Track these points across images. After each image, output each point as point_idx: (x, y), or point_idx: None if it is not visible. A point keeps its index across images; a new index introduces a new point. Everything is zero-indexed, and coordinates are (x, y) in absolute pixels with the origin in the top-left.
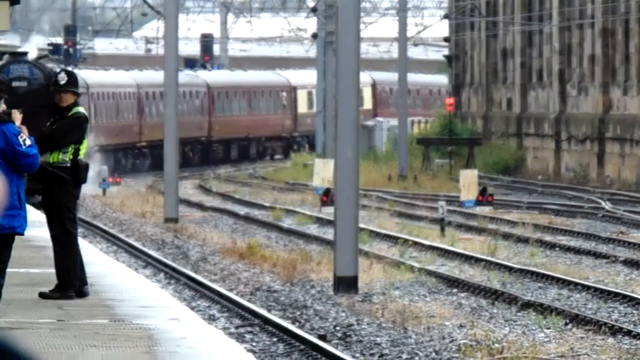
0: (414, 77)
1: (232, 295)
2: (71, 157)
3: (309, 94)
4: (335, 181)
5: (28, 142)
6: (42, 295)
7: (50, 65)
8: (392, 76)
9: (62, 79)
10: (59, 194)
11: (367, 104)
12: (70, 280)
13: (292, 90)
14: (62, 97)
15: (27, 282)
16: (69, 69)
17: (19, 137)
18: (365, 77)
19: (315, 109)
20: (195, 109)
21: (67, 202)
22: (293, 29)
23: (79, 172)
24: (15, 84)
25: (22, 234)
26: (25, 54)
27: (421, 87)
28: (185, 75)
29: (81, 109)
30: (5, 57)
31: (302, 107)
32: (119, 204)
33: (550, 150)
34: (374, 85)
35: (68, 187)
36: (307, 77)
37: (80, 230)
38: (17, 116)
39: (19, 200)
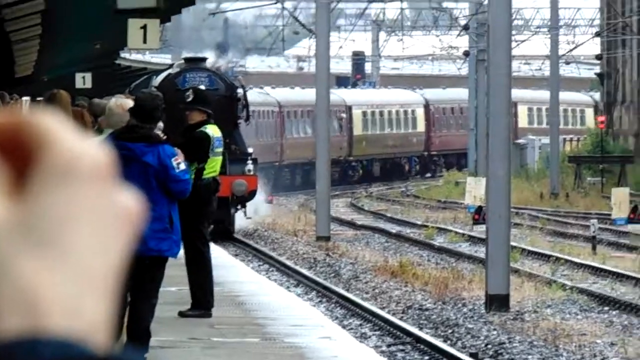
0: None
1: (383, 313)
2: (193, 176)
3: (364, 114)
4: (487, 199)
5: (182, 166)
6: (182, 314)
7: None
8: (446, 94)
9: (189, 96)
10: (186, 214)
11: (420, 126)
12: (206, 298)
13: (348, 109)
14: (189, 115)
15: (179, 300)
16: (200, 87)
17: (174, 160)
18: (416, 96)
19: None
20: (269, 129)
21: (195, 222)
22: (445, 47)
23: (199, 192)
24: None
25: (174, 257)
26: (204, 59)
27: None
28: (258, 95)
29: (207, 128)
30: (180, 63)
31: (358, 129)
32: (271, 222)
33: None
34: (426, 106)
35: (193, 207)
36: (363, 96)
37: (232, 249)
38: (181, 156)
39: (170, 223)
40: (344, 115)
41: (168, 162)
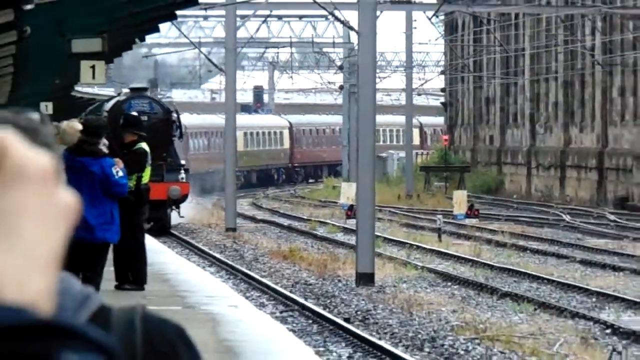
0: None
1: (277, 287)
2: (135, 182)
3: (245, 134)
4: (357, 199)
5: (120, 173)
6: (118, 287)
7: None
8: (305, 119)
9: (120, 121)
10: (128, 212)
11: (286, 143)
12: (141, 276)
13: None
14: (124, 136)
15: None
16: (133, 113)
17: (113, 169)
18: (283, 120)
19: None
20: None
21: (135, 218)
22: (324, 82)
23: (140, 195)
24: None
25: (115, 242)
26: (145, 89)
27: (327, 127)
28: None
29: (143, 145)
30: (126, 92)
31: (240, 146)
32: (191, 217)
33: (523, 175)
34: (290, 128)
35: (134, 206)
36: (244, 120)
37: (160, 237)
38: (120, 164)
39: (112, 217)
40: None
41: (109, 171)
